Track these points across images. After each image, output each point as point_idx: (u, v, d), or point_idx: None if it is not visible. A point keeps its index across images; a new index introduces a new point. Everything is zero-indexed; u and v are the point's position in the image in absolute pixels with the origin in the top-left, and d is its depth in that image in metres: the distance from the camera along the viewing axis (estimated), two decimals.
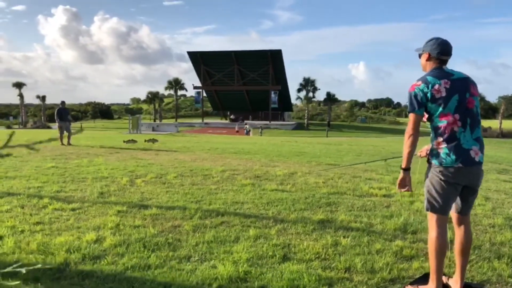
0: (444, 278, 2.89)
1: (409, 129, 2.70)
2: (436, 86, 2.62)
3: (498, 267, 3.19)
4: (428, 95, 2.62)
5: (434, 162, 2.68)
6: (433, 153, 2.71)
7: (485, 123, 55.01)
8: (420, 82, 2.67)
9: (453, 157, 2.60)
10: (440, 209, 2.71)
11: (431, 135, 2.74)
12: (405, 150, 2.74)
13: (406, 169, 2.77)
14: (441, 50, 2.69)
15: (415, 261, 3.27)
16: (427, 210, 2.78)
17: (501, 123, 51.64)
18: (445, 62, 2.73)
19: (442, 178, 2.65)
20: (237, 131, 42.92)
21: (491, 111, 75.23)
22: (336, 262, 3.22)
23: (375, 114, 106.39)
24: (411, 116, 2.70)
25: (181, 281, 2.82)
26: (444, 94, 2.61)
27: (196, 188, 6.04)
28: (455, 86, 2.63)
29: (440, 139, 2.65)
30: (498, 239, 3.86)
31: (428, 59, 2.74)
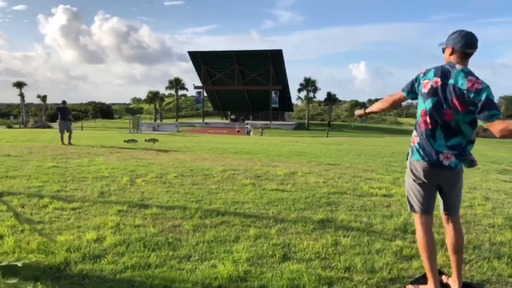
0: (444, 278, 2.90)
1: (385, 100, 2.95)
2: (426, 81, 2.60)
3: (498, 267, 3.19)
4: (420, 86, 2.65)
5: (409, 156, 2.76)
6: (410, 149, 2.78)
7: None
8: (424, 70, 2.67)
9: (421, 153, 2.64)
10: (420, 209, 2.74)
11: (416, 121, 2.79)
12: (377, 104, 3.01)
13: (367, 113, 3.19)
14: (465, 43, 2.52)
15: (415, 260, 3.27)
16: (410, 210, 2.85)
17: None
18: (469, 55, 2.56)
19: (412, 177, 2.72)
20: (238, 131, 42.94)
21: None
22: (336, 261, 3.22)
23: (376, 114, 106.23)
24: (399, 93, 2.84)
25: (181, 280, 2.82)
26: (426, 90, 2.59)
27: (196, 187, 6.04)
28: (439, 90, 2.53)
29: (415, 134, 2.72)
30: (498, 239, 3.86)
31: (452, 53, 2.59)
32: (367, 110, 3.20)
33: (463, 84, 2.46)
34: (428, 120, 2.58)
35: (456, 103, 2.47)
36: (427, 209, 2.74)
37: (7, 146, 12.25)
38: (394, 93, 2.89)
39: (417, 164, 2.66)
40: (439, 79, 2.55)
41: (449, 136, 2.55)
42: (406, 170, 2.82)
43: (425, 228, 2.72)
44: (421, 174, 2.66)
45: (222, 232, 3.87)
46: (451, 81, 2.51)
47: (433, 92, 2.55)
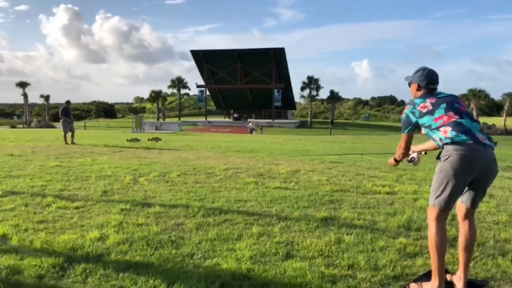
0: (448, 276, 2.88)
1: (402, 146, 3.05)
2: (422, 104, 2.81)
3: (502, 264, 3.18)
4: (416, 113, 2.81)
5: (446, 146, 2.64)
6: (442, 144, 2.67)
7: (489, 120, 54.82)
8: (408, 106, 2.91)
9: (463, 136, 2.61)
10: (444, 204, 2.66)
11: (434, 138, 2.77)
12: (397, 156, 3.18)
13: (397, 161, 3.23)
14: (428, 81, 2.88)
15: (419, 258, 3.26)
16: (432, 204, 2.71)
17: (505, 120, 51.30)
18: (434, 90, 2.90)
19: (455, 167, 2.57)
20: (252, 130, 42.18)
21: (495, 108, 74.82)
22: (340, 259, 3.21)
23: (379, 112, 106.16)
24: (405, 136, 2.98)
25: (184, 278, 2.82)
26: (430, 107, 2.78)
27: (199, 186, 6.04)
28: (441, 100, 2.80)
29: (445, 128, 2.68)
30: (502, 236, 3.84)
31: (418, 89, 2.93)
32: (399, 159, 3.25)
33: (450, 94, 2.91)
34: (451, 113, 2.71)
35: (460, 101, 2.85)
36: (450, 205, 2.68)
37: (10, 146, 12.29)
38: (401, 143, 3.04)
39: (461, 145, 2.57)
40: (432, 97, 2.82)
41: (472, 122, 2.72)
42: (439, 166, 2.69)
43: (442, 224, 2.68)
44: (466, 158, 2.56)
45: (225, 230, 3.87)
46: (440, 95, 2.85)
47: (436, 103, 2.78)
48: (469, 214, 2.81)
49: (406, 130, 2.94)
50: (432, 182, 2.78)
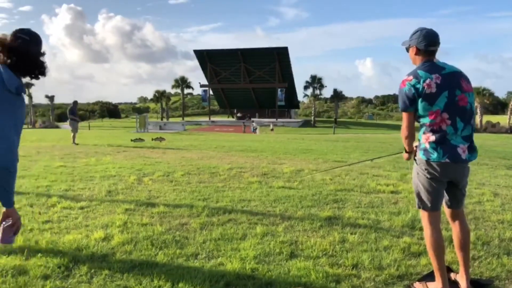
0: (452, 275, 2.88)
1: (404, 130, 2.71)
2: (428, 81, 2.53)
3: (507, 263, 3.16)
4: (420, 90, 2.54)
5: (421, 157, 2.65)
6: (420, 148, 2.67)
7: (493, 118, 54.51)
8: (411, 77, 2.59)
9: (441, 152, 2.57)
10: (430, 206, 2.70)
11: (419, 130, 2.71)
12: (405, 145, 2.81)
13: (410, 152, 2.80)
14: (428, 42, 2.60)
15: (423, 257, 3.25)
16: (419, 208, 2.78)
17: (510, 118, 51.01)
18: (434, 52, 2.65)
19: (428, 176, 2.64)
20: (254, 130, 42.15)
21: (500, 106, 74.45)
22: (344, 258, 3.21)
23: (383, 111, 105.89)
24: (405, 115, 2.65)
25: (188, 278, 2.83)
26: (434, 90, 2.53)
27: (203, 186, 6.05)
28: (445, 82, 2.55)
29: (428, 134, 2.61)
30: (507, 235, 3.83)
31: (417, 53, 2.66)
32: (410, 150, 2.87)
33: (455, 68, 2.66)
34: (446, 116, 2.55)
35: (463, 83, 2.60)
36: (437, 205, 2.71)
37: None
38: (403, 125, 2.70)
39: (435, 164, 2.59)
40: (437, 75, 2.56)
41: (464, 126, 2.58)
42: (415, 167, 2.76)
43: (434, 225, 2.70)
44: (438, 172, 2.60)
45: (229, 230, 3.88)
46: (445, 71, 2.59)
47: (440, 87, 2.54)
48: (457, 214, 2.81)
49: (408, 108, 2.61)
50: (412, 185, 2.80)
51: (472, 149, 2.63)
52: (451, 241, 3.41)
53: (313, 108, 65.62)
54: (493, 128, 46.48)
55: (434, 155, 2.58)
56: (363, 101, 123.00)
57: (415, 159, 2.76)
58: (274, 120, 52.83)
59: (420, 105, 2.57)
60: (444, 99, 2.55)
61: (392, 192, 5.73)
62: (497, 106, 74.14)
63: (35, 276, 2.83)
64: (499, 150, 13.93)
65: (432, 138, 2.59)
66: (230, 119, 66.85)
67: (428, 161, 2.61)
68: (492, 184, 6.53)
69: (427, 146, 2.61)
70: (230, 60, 58.60)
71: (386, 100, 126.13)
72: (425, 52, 2.63)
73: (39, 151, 10.82)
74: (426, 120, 2.60)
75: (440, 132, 2.57)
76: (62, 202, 4.90)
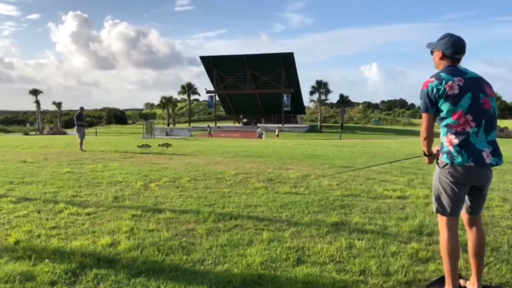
0: (461, 281, 2.84)
1: (423, 131, 2.68)
2: (450, 83, 2.54)
3: None
4: (441, 91, 2.54)
5: (444, 159, 2.60)
6: (443, 151, 2.63)
7: (501, 123, 54.05)
8: (433, 79, 2.60)
9: (465, 155, 2.53)
10: (450, 211, 2.66)
11: (441, 132, 2.67)
12: (424, 147, 2.75)
13: (430, 155, 2.76)
14: (455, 49, 2.61)
15: (431, 263, 3.22)
16: (437, 212, 2.74)
17: None
18: (459, 60, 2.65)
19: (452, 179, 2.59)
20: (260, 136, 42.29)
21: (507, 110, 73.86)
22: (351, 265, 3.19)
23: (389, 116, 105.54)
24: (425, 116, 2.64)
25: (195, 284, 2.82)
26: (456, 91, 2.52)
27: (209, 191, 6.05)
28: (468, 84, 2.55)
29: (452, 136, 2.57)
30: None
31: (442, 58, 2.66)
32: (429, 153, 2.82)
33: (476, 74, 2.64)
34: (470, 118, 2.53)
35: (486, 88, 2.59)
36: (457, 211, 2.67)
37: (23, 153, 12.45)
38: (422, 127, 2.68)
39: (459, 167, 2.56)
40: (460, 78, 2.56)
41: (488, 130, 2.56)
42: (436, 171, 2.70)
43: (452, 231, 2.66)
44: (462, 176, 2.57)
45: (235, 236, 3.86)
46: (468, 75, 2.59)
47: (463, 88, 2.54)
48: (474, 221, 2.78)
49: (428, 109, 2.60)
50: (432, 189, 2.76)
51: (497, 154, 2.59)
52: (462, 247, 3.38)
53: (319, 114, 65.60)
54: (501, 133, 46.08)
55: (459, 159, 2.55)
56: (369, 106, 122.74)
57: (437, 163, 2.71)
58: (280, 125, 52.87)
59: (443, 106, 2.56)
60: (468, 100, 2.53)
61: (399, 197, 5.69)
62: (504, 110, 73.61)
63: (42, 282, 2.83)
64: (507, 155, 13.79)
65: (456, 141, 2.55)
66: (236, 124, 66.98)
67: (452, 164, 2.57)
68: (501, 189, 6.46)
69: (451, 149, 2.58)
70: (236, 66, 58.87)
71: (393, 105, 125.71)
72: (451, 59, 2.64)
73: (46, 157, 10.89)
74: (449, 121, 2.57)
75: (464, 134, 2.54)
76: (69, 208, 4.92)
